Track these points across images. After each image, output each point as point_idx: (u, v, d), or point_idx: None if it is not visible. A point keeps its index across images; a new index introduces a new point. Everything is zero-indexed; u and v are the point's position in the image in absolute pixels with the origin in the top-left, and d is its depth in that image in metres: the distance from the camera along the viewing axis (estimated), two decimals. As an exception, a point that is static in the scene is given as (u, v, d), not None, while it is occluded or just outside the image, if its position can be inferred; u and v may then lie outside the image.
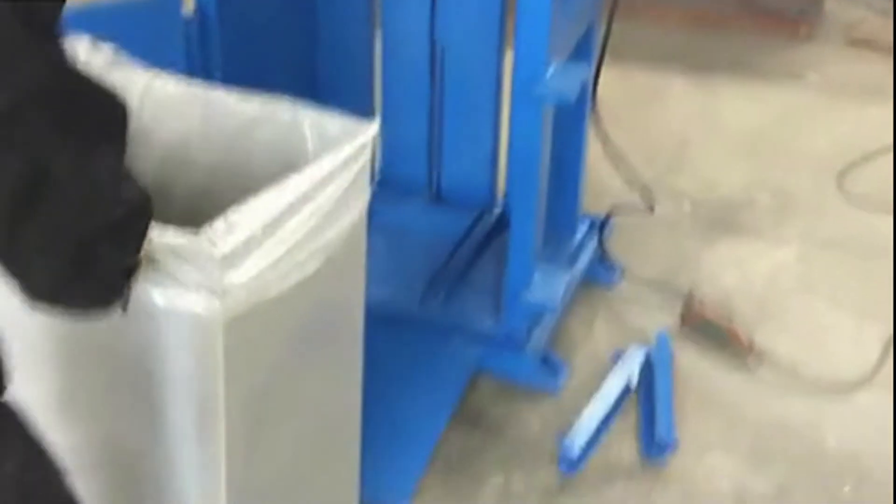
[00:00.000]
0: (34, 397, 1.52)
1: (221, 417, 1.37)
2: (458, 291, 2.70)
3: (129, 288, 1.21)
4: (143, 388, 1.40)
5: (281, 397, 1.56)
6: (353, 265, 1.65)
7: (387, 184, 3.06)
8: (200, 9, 2.39)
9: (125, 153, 1.12)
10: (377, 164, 3.07)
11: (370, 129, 1.52)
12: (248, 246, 1.30)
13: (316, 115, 1.59)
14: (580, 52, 2.54)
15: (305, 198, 1.39)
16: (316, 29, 2.83)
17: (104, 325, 1.37)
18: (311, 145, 1.57)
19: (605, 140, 2.70)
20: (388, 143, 3.04)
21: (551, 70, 2.34)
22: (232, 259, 1.27)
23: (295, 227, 1.37)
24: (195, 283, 1.26)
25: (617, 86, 3.93)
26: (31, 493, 1.19)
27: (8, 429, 1.18)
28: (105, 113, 1.09)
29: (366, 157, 1.53)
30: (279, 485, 1.66)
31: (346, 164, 1.45)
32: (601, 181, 3.13)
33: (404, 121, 2.97)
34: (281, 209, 1.36)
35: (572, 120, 2.70)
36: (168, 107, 1.63)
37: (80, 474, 1.57)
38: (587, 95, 2.72)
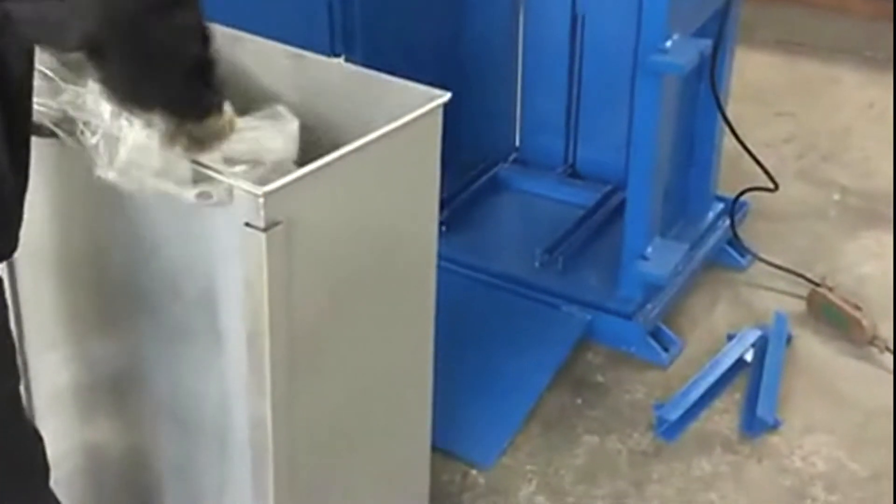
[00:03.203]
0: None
1: (266, 336, 1.47)
2: (576, 260, 2.77)
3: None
4: (202, 302, 1.55)
5: (335, 329, 1.61)
6: (419, 209, 1.72)
7: (525, 159, 3.16)
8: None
9: None
10: (516, 140, 3.17)
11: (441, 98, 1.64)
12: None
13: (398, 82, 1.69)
14: (708, 30, 2.54)
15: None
16: (460, 11, 2.95)
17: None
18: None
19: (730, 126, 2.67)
20: (528, 120, 3.13)
21: (670, 41, 2.37)
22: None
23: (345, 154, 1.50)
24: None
25: (788, 74, 3.89)
26: None
27: None
28: None
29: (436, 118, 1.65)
30: (333, 427, 1.70)
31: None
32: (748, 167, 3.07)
33: (544, 97, 3.06)
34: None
35: (704, 99, 2.70)
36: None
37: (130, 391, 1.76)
38: (724, 75, 2.71)
